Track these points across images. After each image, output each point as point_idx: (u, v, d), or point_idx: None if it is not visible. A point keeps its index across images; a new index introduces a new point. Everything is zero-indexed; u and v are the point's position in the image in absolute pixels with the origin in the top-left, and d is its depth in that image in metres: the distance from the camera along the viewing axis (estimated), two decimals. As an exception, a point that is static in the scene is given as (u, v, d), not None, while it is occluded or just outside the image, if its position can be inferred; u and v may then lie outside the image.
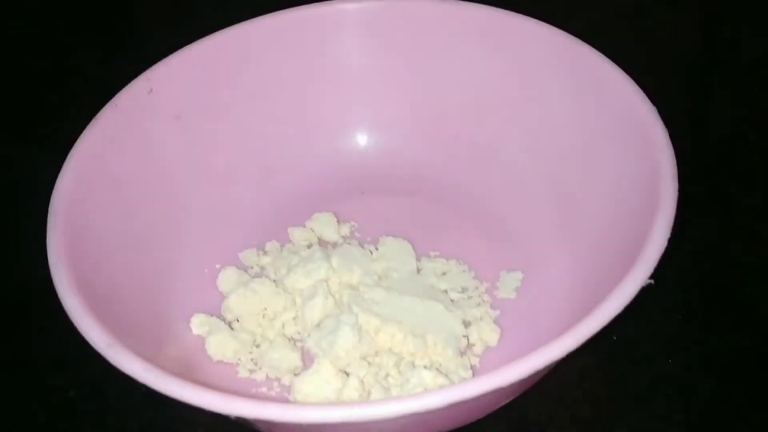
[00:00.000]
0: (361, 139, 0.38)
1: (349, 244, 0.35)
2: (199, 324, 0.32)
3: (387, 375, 0.29)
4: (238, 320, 0.32)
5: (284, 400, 0.30)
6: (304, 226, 0.36)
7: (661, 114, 0.29)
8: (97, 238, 0.29)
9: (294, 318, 0.32)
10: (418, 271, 0.34)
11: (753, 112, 0.42)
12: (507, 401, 0.27)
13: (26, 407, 0.31)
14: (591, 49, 0.32)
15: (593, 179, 0.32)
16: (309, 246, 0.35)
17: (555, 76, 0.33)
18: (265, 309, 0.32)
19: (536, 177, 0.35)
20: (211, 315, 0.32)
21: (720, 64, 0.46)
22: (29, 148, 0.43)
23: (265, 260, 0.35)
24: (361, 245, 0.35)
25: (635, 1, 0.50)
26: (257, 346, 0.32)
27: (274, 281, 0.33)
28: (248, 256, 0.35)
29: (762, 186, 0.38)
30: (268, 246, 0.36)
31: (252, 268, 0.35)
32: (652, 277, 0.24)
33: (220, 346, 0.31)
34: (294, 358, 0.31)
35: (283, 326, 0.32)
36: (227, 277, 0.34)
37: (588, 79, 0.32)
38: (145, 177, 0.33)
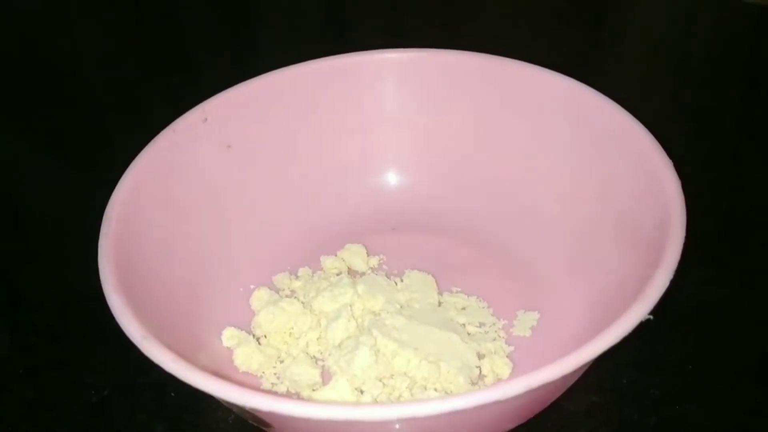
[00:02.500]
0: (393, 179, 0.41)
1: (375, 274, 0.37)
2: (229, 336, 0.34)
3: (399, 396, 0.31)
4: (266, 336, 0.34)
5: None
6: (336, 255, 0.38)
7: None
8: (143, 247, 0.32)
9: (318, 338, 0.34)
10: (439, 304, 0.35)
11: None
12: (512, 426, 0.28)
13: (66, 403, 0.34)
14: (610, 101, 0.34)
15: (607, 224, 0.33)
16: (338, 274, 0.37)
17: (574, 126, 0.35)
18: (292, 327, 0.34)
19: (555, 221, 0.36)
20: (241, 330, 0.34)
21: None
22: (93, 171, 0.46)
23: (297, 284, 0.37)
24: (387, 276, 0.37)
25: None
26: (281, 361, 0.34)
27: (303, 303, 0.35)
28: (281, 279, 0.38)
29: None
30: (301, 271, 0.38)
31: (283, 290, 0.37)
32: (653, 314, 0.25)
33: (246, 358, 0.33)
34: (314, 374, 0.32)
35: (307, 345, 0.34)
36: (259, 297, 0.36)
37: (604, 129, 0.34)
38: (193, 197, 0.36)
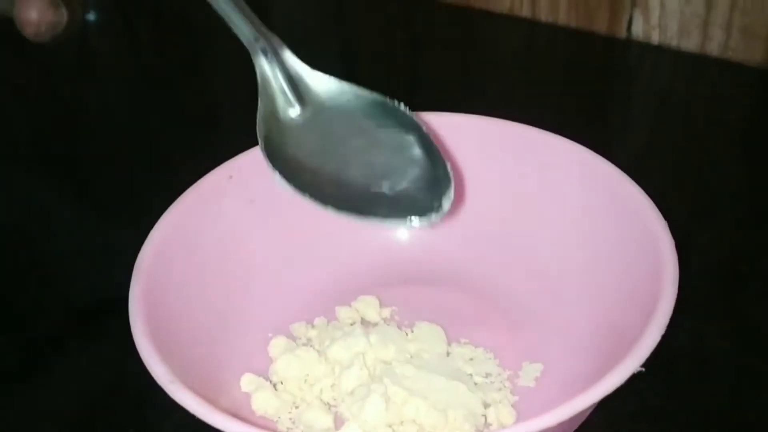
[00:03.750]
0: (405, 234, 0.43)
1: (387, 325, 0.39)
2: (247, 382, 0.36)
3: (408, 442, 0.33)
4: (282, 383, 0.36)
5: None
6: (350, 306, 0.40)
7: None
8: (169, 297, 0.34)
9: (332, 385, 0.36)
10: (448, 354, 0.37)
11: None
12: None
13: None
14: (613, 167, 0.36)
15: (609, 282, 0.35)
16: (352, 324, 0.39)
17: (581, 189, 0.38)
18: (308, 375, 0.36)
19: (560, 277, 0.38)
20: (259, 376, 0.36)
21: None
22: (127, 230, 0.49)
23: (312, 333, 0.39)
24: (399, 327, 0.38)
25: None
26: (296, 407, 0.35)
27: (318, 351, 0.37)
28: (298, 328, 0.39)
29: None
30: (317, 321, 0.40)
31: (300, 338, 0.39)
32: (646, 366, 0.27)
33: (264, 402, 0.35)
34: (327, 420, 0.34)
35: (321, 391, 0.36)
36: (277, 344, 0.38)
37: (608, 193, 0.36)
38: (217, 250, 0.38)
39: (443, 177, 0.32)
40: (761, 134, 0.53)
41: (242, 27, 0.32)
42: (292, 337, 0.39)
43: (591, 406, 0.26)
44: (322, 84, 0.34)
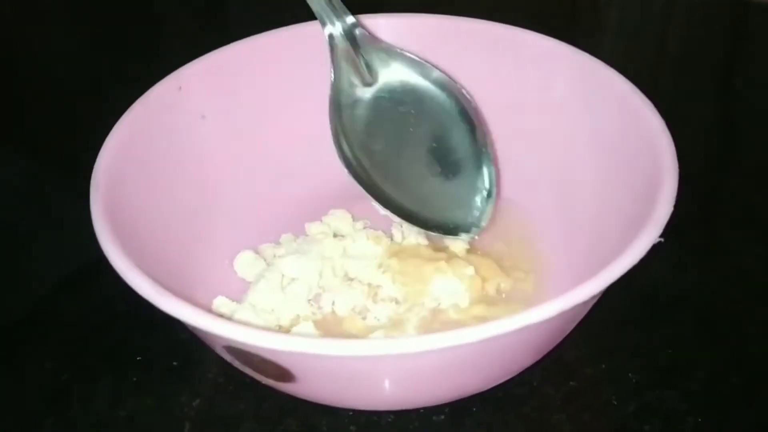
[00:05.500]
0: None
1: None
2: (220, 305, 0.33)
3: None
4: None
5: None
6: (321, 222, 0.38)
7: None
8: (129, 213, 0.30)
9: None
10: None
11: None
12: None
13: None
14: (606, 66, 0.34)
15: (599, 169, 0.34)
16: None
17: (561, 81, 0.36)
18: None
19: (543, 173, 0.37)
20: (232, 300, 0.33)
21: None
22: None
23: (280, 251, 0.36)
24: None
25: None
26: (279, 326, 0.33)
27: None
28: (265, 249, 0.37)
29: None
30: (283, 237, 0.37)
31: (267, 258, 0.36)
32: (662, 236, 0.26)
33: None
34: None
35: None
36: (244, 260, 0.36)
37: (592, 83, 0.34)
38: (171, 168, 0.35)
39: (486, 193, 0.34)
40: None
41: (321, 4, 0.33)
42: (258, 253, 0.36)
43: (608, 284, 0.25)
44: (394, 61, 0.34)
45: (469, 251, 0.36)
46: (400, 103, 0.34)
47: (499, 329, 0.23)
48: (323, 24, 0.33)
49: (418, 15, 0.39)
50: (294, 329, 0.32)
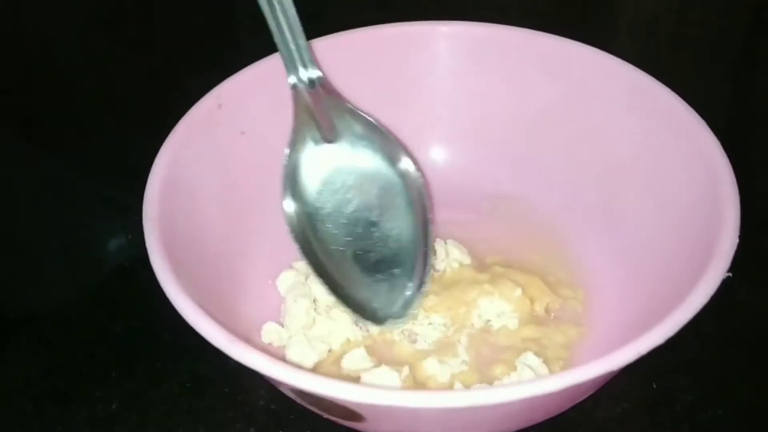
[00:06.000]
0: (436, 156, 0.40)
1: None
2: (268, 332, 0.33)
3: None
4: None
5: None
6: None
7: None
8: (181, 243, 0.30)
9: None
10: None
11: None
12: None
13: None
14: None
15: (654, 203, 0.33)
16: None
17: (624, 107, 0.35)
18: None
19: (593, 193, 0.37)
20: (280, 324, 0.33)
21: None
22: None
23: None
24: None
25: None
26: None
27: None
28: (302, 266, 0.36)
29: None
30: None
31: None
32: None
33: (299, 354, 0.32)
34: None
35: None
36: (286, 279, 0.35)
37: (654, 110, 0.34)
38: (215, 188, 0.34)
39: (419, 284, 0.32)
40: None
41: (289, 51, 0.31)
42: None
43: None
44: (356, 125, 0.32)
45: (510, 267, 0.35)
46: (354, 170, 0.33)
47: (581, 377, 0.23)
48: (288, 72, 0.31)
49: (479, 24, 0.38)
50: (347, 356, 0.32)
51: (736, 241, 0.27)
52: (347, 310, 0.32)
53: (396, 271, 0.32)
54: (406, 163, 0.32)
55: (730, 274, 0.26)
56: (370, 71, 0.38)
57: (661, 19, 0.57)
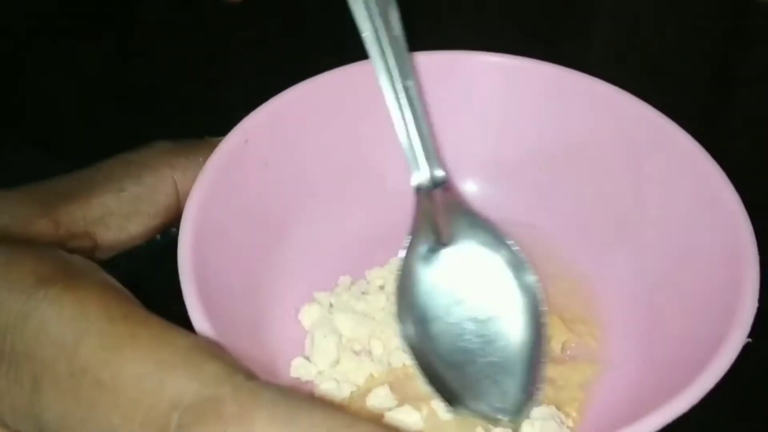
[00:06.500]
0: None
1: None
2: (297, 367, 0.34)
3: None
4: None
5: None
6: (382, 267, 0.38)
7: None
8: (214, 288, 0.30)
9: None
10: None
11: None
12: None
13: None
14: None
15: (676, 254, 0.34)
16: (381, 287, 0.37)
17: (642, 149, 0.36)
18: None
19: (617, 247, 0.37)
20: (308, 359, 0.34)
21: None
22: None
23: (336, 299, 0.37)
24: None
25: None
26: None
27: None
28: (322, 297, 0.37)
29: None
30: (341, 280, 0.37)
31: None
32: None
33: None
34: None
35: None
36: (310, 313, 0.36)
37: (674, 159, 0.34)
38: (242, 224, 0.35)
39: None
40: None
41: (413, 150, 0.32)
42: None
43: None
44: (476, 231, 0.33)
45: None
46: (467, 274, 0.33)
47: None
48: (411, 169, 0.32)
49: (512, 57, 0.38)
50: (372, 394, 0.33)
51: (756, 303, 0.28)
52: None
53: (505, 377, 0.31)
54: (524, 272, 0.32)
55: (750, 340, 0.27)
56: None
57: (637, 31, 0.57)
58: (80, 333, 0.20)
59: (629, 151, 0.36)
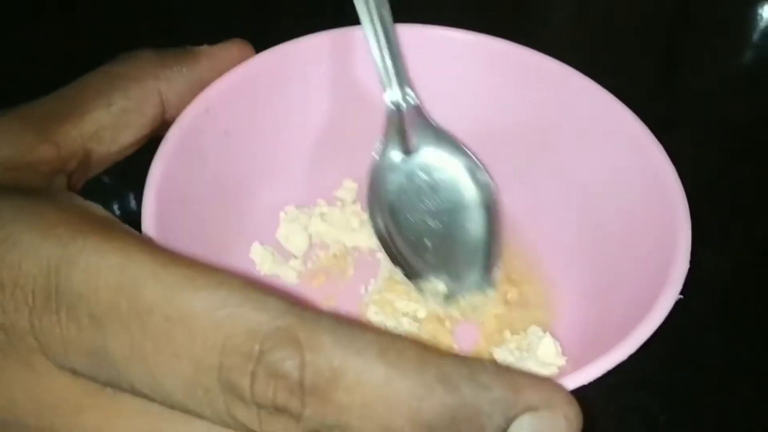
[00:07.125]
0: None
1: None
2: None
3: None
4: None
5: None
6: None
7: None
8: (178, 244, 0.31)
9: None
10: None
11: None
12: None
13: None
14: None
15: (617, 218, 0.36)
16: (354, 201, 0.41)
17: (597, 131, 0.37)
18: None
19: (563, 215, 0.39)
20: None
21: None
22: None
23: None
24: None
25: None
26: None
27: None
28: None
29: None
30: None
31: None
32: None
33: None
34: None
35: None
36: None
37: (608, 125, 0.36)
38: (205, 193, 0.35)
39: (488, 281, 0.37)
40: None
41: (388, 72, 0.35)
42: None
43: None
44: (439, 143, 0.37)
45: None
46: (430, 176, 0.37)
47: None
48: (384, 88, 0.35)
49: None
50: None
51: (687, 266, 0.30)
52: (421, 293, 0.36)
53: (468, 258, 0.37)
54: (481, 175, 0.37)
55: (681, 296, 0.29)
56: (331, 72, 0.39)
57: (588, 11, 0.59)
58: (135, 277, 0.20)
59: (576, 126, 0.38)
